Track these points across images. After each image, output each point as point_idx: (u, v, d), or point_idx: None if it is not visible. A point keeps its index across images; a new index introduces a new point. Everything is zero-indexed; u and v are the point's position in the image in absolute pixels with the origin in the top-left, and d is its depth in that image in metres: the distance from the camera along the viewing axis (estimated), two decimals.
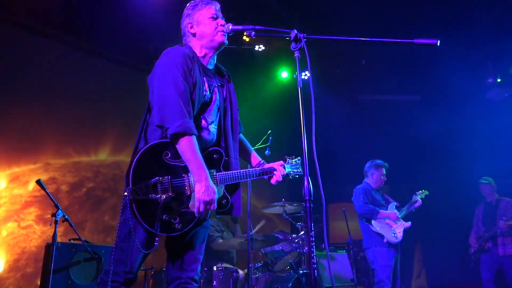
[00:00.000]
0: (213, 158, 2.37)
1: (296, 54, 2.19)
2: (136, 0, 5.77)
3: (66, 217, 3.87)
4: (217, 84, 2.53)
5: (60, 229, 4.56)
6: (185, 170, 2.23)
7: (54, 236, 3.74)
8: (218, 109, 2.50)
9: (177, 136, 2.16)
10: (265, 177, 2.55)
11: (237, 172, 2.39)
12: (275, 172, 2.54)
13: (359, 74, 8.27)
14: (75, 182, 6.06)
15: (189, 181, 2.22)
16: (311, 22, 6.54)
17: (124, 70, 6.72)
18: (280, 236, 5.21)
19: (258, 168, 2.56)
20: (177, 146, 2.19)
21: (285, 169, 2.58)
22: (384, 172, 5.48)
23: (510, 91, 8.22)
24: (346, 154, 7.75)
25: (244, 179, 2.42)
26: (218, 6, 2.54)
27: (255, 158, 2.72)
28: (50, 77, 6.02)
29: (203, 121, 2.40)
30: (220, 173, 2.35)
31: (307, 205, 2.01)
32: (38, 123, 5.78)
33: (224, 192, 2.37)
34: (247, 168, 2.53)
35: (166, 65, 2.31)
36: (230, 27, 2.45)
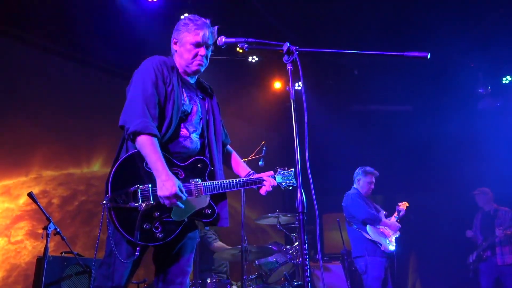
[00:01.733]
0: (197, 167, 2.37)
1: (289, 67, 2.20)
2: (129, 11, 5.79)
3: (58, 230, 3.82)
4: (199, 97, 2.56)
5: (52, 244, 4.49)
6: None
7: (46, 249, 3.69)
8: (201, 119, 2.51)
9: (134, 134, 2.18)
10: (255, 187, 2.55)
11: (222, 182, 2.39)
12: (264, 182, 2.53)
13: (352, 84, 8.33)
14: (67, 195, 5.97)
15: None
16: (305, 34, 6.59)
17: (116, 80, 6.69)
18: (274, 248, 5.18)
19: (245, 178, 2.55)
20: (136, 144, 2.20)
21: (275, 179, 2.57)
22: (373, 180, 5.44)
23: (502, 101, 8.32)
24: (339, 165, 7.75)
25: (230, 188, 2.41)
26: (207, 33, 2.46)
27: (244, 169, 2.71)
28: (41, 87, 5.96)
29: (185, 130, 2.41)
30: (205, 182, 2.34)
31: (301, 217, 2.01)
32: (29, 134, 5.70)
33: (209, 202, 2.34)
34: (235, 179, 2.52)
35: (139, 73, 2.37)
36: (223, 39, 2.45)
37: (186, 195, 2.20)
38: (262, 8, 6.24)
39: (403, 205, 5.45)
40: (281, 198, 7.93)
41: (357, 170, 5.54)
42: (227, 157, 2.77)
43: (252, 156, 4.93)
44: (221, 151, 2.61)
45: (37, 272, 3.78)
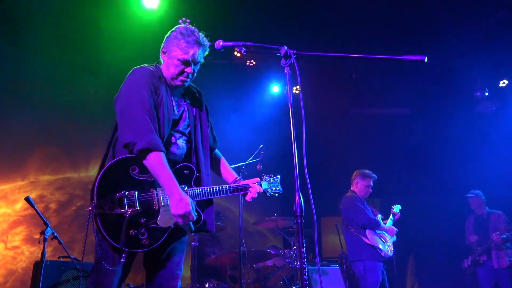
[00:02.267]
0: (184, 174, 2.37)
1: (286, 70, 2.21)
2: (136, 15, 5.81)
3: (56, 234, 3.80)
4: (187, 102, 2.56)
5: (49, 249, 4.46)
6: (153, 185, 2.23)
7: (43, 253, 3.67)
8: (188, 125, 2.51)
9: (145, 152, 2.17)
10: (240, 193, 2.56)
11: (209, 188, 2.39)
12: (250, 189, 2.54)
13: (350, 88, 8.34)
14: (64, 200, 5.94)
15: (157, 196, 2.22)
16: (303, 38, 6.60)
17: (115, 84, 6.65)
18: (272, 251, 5.18)
19: (231, 185, 2.55)
20: (145, 161, 2.20)
21: (261, 186, 2.58)
22: (371, 183, 5.42)
23: (499, 104, 8.35)
24: (338, 168, 7.75)
25: (216, 195, 2.42)
26: (197, 51, 2.40)
27: (231, 174, 2.71)
28: (39, 90, 5.95)
29: (172, 137, 2.41)
30: (191, 188, 2.35)
31: (299, 221, 2.01)
32: (26, 138, 5.68)
33: (196, 208, 2.33)
34: (222, 185, 2.52)
35: (132, 85, 2.35)
36: (221, 43, 2.44)
37: (197, 214, 2.25)
38: (260, 12, 6.25)
39: (396, 208, 5.46)
40: (279, 202, 7.92)
41: (355, 173, 5.52)
42: (215, 162, 2.76)
43: (250, 160, 4.93)
44: (209, 156, 2.60)
45: (34, 276, 3.77)
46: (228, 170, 2.75)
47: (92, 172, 6.33)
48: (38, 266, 3.74)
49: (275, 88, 8.04)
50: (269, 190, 2.61)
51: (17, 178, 5.58)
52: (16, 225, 5.42)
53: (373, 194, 5.58)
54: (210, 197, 2.40)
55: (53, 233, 3.73)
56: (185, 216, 2.16)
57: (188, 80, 2.46)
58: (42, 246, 3.67)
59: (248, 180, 2.60)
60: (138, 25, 5.87)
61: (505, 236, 5.99)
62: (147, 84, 2.33)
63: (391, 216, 5.37)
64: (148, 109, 2.26)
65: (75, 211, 6.02)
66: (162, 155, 2.19)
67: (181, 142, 2.45)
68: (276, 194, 2.63)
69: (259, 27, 6.41)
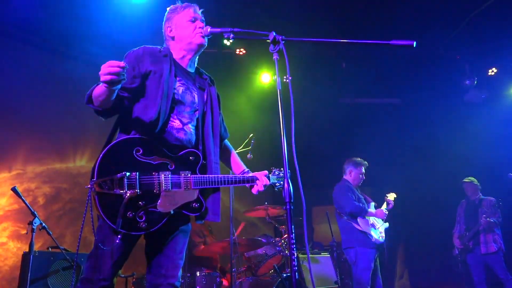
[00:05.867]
0: (189, 160, 2.33)
1: (275, 57, 2.18)
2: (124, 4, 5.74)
3: (44, 225, 3.78)
4: (196, 87, 2.52)
5: (37, 245, 4.42)
6: (156, 168, 2.21)
7: (31, 244, 3.65)
8: (196, 111, 2.47)
9: (90, 98, 2.18)
10: (247, 185, 2.51)
11: (214, 177, 2.35)
12: (257, 181, 2.49)
13: (340, 77, 8.34)
14: (52, 193, 5.83)
15: (158, 180, 2.19)
16: (292, 26, 6.56)
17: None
18: (263, 240, 5.19)
19: (238, 176, 2.52)
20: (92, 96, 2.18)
21: (269, 179, 2.53)
22: (363, 170, 5.48)
23: (487, 93, 8.41)
24: (328, 158, 7.78)
25: (221, 184, 2.37)
26: (197, 8, 2.56)
27: (240, 166, 2.68)
28: (24, 80, 5.83)
29: (178, 121, 2.37)
30: (195, 175, 2.31)
31: (288, 207, 2.00)
32: (12, 128, 5.57)
33: (198, 196, 2.31)
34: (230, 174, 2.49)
35: None
36: (209, 29, 2.45)
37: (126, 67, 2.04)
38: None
39: (391, 196, 5.49)
40: (270, 191, 7.93)
41: (347, 162, 5.56)
42: (224, 152, 2.72)
43: (240, 149, 4.92)
44: (218, 144, 2.57)
45: (23, 267, 3.74)
46: (236, 162, 2.71)
47: (81, 162, 6.26)
48: (26, 257, 3.72)
49: (265, 77, 8.01)
50: (277, 184, 2.55)
51: (3, 169, 5.49)
52: (2, 221, 5.33)
53: (363, 183, 5.62)
54: (214, 186, 2.36)
55: (41, 224, 3.70)
56: (105, 67, 1.98)
57: (204, 34, 2.46)
58: (29, 242, 3.64)
59: (257, 172, 2.55)
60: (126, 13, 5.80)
61: (493, 220, 6.07)
62: (129, 56, 2.37)
63: (384, 204, 5.42)
64: None
65: (63, 205, 5.92)
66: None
67: (190, 128, 2.41)
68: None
69: (248, 15, 6.36)
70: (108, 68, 1.98)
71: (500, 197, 6.38)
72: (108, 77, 1.98)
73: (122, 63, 2.00)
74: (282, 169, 2.56)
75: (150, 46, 2.47)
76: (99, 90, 2.10)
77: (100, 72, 1.99)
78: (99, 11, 5.68)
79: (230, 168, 2.74)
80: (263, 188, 2.49)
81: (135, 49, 2.43)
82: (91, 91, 2.18)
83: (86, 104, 2.22)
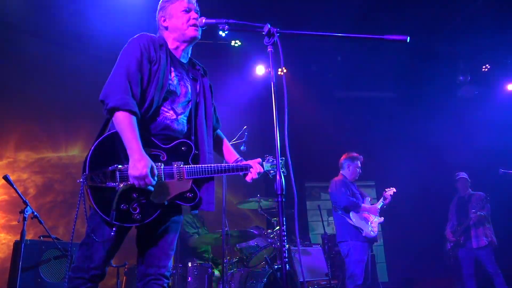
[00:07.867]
0: (181, 150, 2.33)
1: (269, 49, 2.18)
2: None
3: (36, 214, 3.76)
4: (190, 78, 2.51)
5: (31, 235, 4.38)
6: None
7: (23, 232, 3.64)
8: (189, 102, 2.47)
9: (113, 110, 2.13)
10: (241, 173, 2.50)
11: (206, 166, 2.34)
12: (250, 169, 2.48)
13: (335, 70, 8.34)
14: (43, 183, 5.78)
15: None
16: (288, 19, 6.53)
17: (98, 62, 6.49)
18: (255, 232, 5.21)
19: (232, 164, 2.51)
20: (113, 119, 2.16)
21: (263, 167, 2.52)
22: (360, 164, 5.54)
23: (480, 89, 8.46)
24: (322, 151, 7.80)
25: (215, 173, 2.36)
26: None
27: (233, 155, 2.67)
28: (16, 68, 5.76)
29: (171, 112, 2.36)
30: (188, 166, 2.31)
31: (279, 199, 2.01)
32: (3, 117, 5.52)
33: (192, 186, 2.31)
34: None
35: (125, 50, 2.33)
36: (204, 20, 2.42)
37: (156, 180, 2.15)
38: None
39: (390, 191, 5.53)
40: (263, 182, 7.95)
41: (343, 157, 5.59)
42: (217, 142, 2.71)
43: (234, 141, 4.92)
44: (211, 135, 2.57)
45: (14, 256, 3.73)
46: (229, 151, 2.71)
47: (73, 152, 6.22)
48: (18, 245, 3.71)
49: (260, 69, 7.99)
50: (271, 171, 2.54)
51: None
52: None
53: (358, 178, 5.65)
54: (207, 176, 2.35)
55: (32, 212, 3.69)
56: (140, 178, 2.08)
57: (198, 25, 2.44)
58: (21, 231, 3.62)
59: (250, 160, 2.54)
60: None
61: (483, 213, 6.13)
62: (140, 49, 2.30)
63: (381, 199, 5.46)
64: (132, 73, 2.22)
65: (55, 198, 5.86)
66: (129, 115, 2.13)
67: (183, 118, 2.41)
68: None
69: (243, 7, 6.32)
70: (144, 183, 2.09)
71: (493, 191, 6.41)
72: (137, 183, 2.09)
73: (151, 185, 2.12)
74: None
75: (150, 34, 2.44)
76: (128, 133, 2.12)
77: (135, 174, 2.07)
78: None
79: (223, 157, 2.73)
80: (257, 176, 2.48)
81: (145, 37, 2.37)
82: (124, 117, 2.13)
83: (101, 101, 2.19)
